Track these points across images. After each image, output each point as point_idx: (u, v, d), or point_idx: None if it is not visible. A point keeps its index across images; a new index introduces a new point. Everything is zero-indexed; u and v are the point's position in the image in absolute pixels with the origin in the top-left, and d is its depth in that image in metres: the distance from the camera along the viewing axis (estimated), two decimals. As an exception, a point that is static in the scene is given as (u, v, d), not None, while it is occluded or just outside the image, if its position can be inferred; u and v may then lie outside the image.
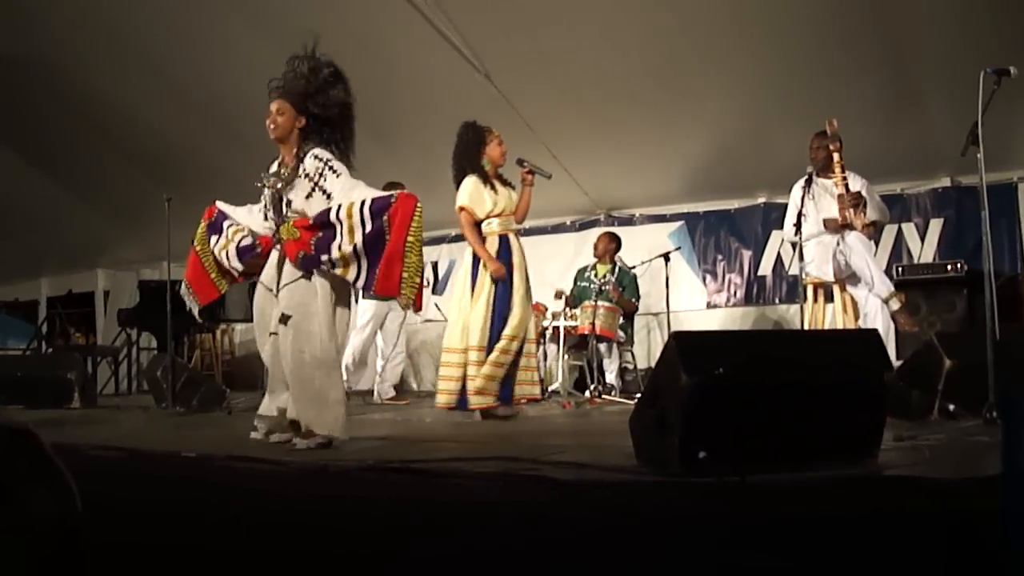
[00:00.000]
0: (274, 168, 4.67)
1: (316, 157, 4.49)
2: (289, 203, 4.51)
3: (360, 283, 4.37)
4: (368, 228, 4.30)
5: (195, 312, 5.03)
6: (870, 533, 2.21)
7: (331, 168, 4.47)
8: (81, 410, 7.93)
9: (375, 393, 8.73)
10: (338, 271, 4.36)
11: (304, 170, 4.48)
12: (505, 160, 6.60)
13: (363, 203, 4.34)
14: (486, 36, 7.76)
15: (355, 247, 4.29)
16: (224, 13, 7.74)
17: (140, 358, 11.90)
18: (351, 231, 4.31)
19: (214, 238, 4.86)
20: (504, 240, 6.47)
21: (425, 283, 7.41)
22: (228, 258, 4.76)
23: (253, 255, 4.73)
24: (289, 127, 4.56)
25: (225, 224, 4.86)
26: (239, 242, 4.75)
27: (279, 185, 4.55)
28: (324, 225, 4.38)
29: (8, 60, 8.44)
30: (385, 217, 4.30)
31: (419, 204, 4.37)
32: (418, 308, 4.55)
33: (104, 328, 13.46)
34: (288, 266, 4.49)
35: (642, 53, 7.75)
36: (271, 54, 7.63)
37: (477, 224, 6.46)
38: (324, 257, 4.33)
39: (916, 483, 2.80)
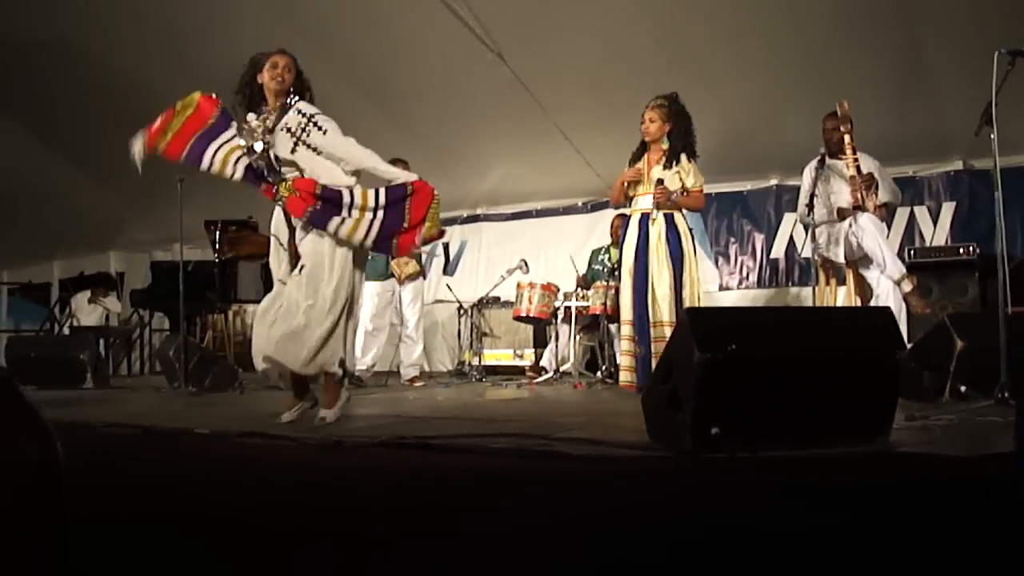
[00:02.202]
0: (252, 117, 4.66)
1: (300, 112, 4.58)
2: (277, 159, 4.58)
3: (368, 243, 4.54)
4: (383, 210, 4.51)
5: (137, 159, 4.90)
6: (882, 506, 2.22)
7: (316, 124, 4.55)
8: (94, 390, 7.98)
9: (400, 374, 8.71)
10: (344, 232, 4.47)
11: (286, 123, 4.56)
12: (648, 136, 6.44)
13: (378, 191, 4.52)
14: (499, 16, 7.73)
15: (371, 212, 4.50)
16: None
17: (153, 339, 11.96)
18: (363, 209, 4.47)
19: (214, 142, 4.70)
20: (643, 219, 6.40)
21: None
22: (233, 162, 4.65)
23: (256, 183, 4.67)
24: (292, 80, 4.66)
25: (228, 133, 4.72)
26: (255, 160, 4.62)
27: (263, 140, 4.58)
28: (333, 196, 4.50)
29: (28, 43, 8.45)
30: (406, 203, 4.53)
31: (436, 193, 4.60)
32: (440, 234, 4.85)
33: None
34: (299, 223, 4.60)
35: (655, 34, 7.73)
36: (285, 36, 7.67)
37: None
38: (336, 218, 4.47)
39: (928, 459, 2.81)
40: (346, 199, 4.48)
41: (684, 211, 6.43)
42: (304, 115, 4.56)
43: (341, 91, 7.93)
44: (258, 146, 4.54)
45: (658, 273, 6.20)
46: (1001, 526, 2.00)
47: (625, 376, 6.39)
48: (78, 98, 9.44)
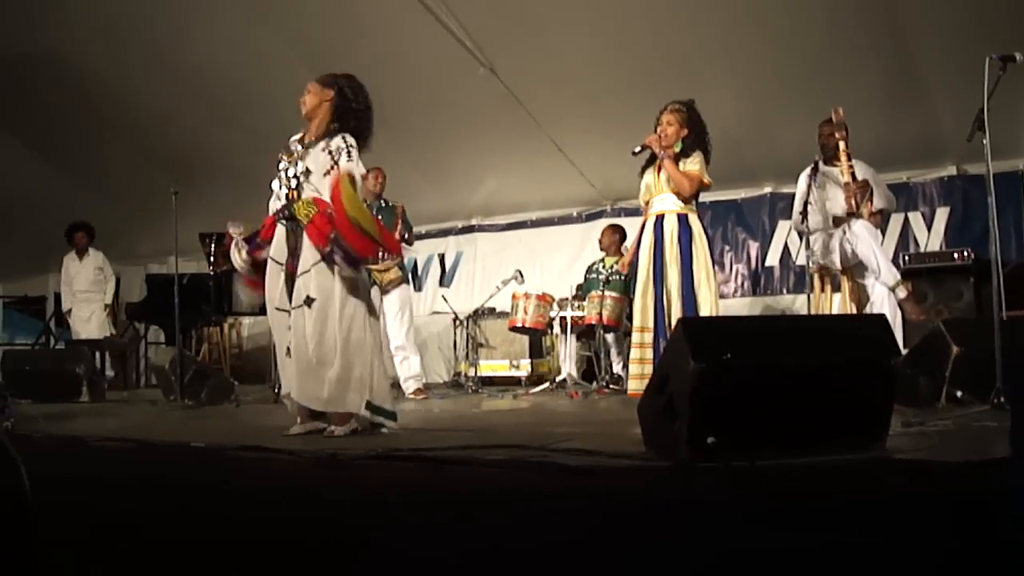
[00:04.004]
0: (296, 138, 4.81)
1: (344, 139, 4.64)
2: (308, 172, 4.65)
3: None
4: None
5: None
6: (880, 515, 2.22)
7: (349, 156, 4.60)
8: (89, 404, 7.96)
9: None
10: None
11: (328, 145, 4.63)
12: (658, 145, 6.49)
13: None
14: (490, 30, 7.75)
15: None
16: (232, 6, 7.75)
17: (148, 352, 11.93)
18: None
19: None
20: (656, 221, 6.48)
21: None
22: (239, 251, 4.94)
23: (256, 244, 4.91)
24: (316, 103, 4.77)
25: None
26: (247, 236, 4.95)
27: (300, 151, 4.72)
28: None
29: (18, 57, 8.45)
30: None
31: (343, 182, 4.48)
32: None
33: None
34: (306, 249, 4.57)
35: (647, 43, 7.73)
36: (279, 48, 7.70)
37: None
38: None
39: (925, 467, 2.81)
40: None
41: (699, 213, 6.44)
42: (345, 143, 4.63)
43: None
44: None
45: (668, 274, 6.26)
46: (997, 532, 2.00)
47: (633, 384, 6.39)
48: (72, 111, 9.45)
